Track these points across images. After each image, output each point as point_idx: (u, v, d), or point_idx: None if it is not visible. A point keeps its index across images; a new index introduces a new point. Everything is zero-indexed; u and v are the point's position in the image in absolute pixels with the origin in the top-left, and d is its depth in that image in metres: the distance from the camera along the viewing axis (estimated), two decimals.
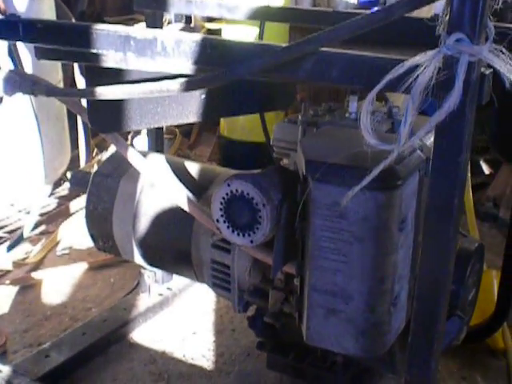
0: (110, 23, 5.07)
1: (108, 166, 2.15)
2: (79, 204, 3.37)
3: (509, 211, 2.65)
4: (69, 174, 2.86)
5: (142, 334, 2.45)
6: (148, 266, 2.24)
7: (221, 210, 1.49)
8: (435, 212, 1.09)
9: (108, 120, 1.66)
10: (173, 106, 1.77)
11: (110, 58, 1.41)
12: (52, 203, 3.54)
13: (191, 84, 1.23)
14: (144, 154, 1.91)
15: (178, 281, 2.63)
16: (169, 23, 4.37)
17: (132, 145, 3.80)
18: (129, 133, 4.22)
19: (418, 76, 0.98)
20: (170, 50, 1.27)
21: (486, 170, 4.04)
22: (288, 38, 3.61)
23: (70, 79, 3.53)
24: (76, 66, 3.27)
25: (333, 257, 1.33)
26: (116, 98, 1.45)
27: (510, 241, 2.15)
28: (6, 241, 3.11)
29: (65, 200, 3.55)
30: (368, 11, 1.09)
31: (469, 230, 2.52)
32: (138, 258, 2.12)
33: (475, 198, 2.67)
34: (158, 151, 2.43)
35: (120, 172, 2.10)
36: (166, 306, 2.60)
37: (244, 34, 3.39)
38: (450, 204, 1.07)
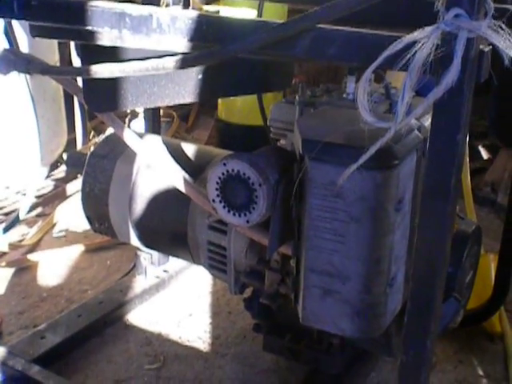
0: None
1: (104, 147, 2.14)
2: (76, 186, 3.36)
3: (506, 196, 2.64)
4: (65, 156, 2.86)
5: (138, 316, 2.45)
6: (144, 248, 2.23)
7: (217, 189, 1.48)
8: (432, 190, 1.08)
9: (104, 99, 1.64)
10: (169, 85, 1.76)
11: (106, 36, 1.39)
12: (48, 185, 3.52)
13: (186, 61, 1.22)
14: (140, 136, 1.90)
15: (175, 263, 2.62)
16: (167, 5, 4.35)
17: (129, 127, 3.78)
18: (126, 116, 4.20)
19: (415, 52, 0.97)
20: (166, 27, 1.25)
21: (485, 155, 4.04)
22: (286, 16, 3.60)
23: (66, 61, 3.51)
24: (72, 47, 3.24)
25: (329, 237, 1.32)
26: (112, 76, 1.43)
27: (508, 225, 2.14)
28: (1, 223, 3.10)
29: (61, 182, 3.54)
30: None
31: (467, 214, 2.51)
32: (134, 240, 2.11)
33: (473, 183, 2.66)
34: (154, 133, 2.41)
35: (116, 153, 2.09)
36: (162, 288, 2.60)
37: (242, 16, 3.37)
38: (447, 182, 1.06)
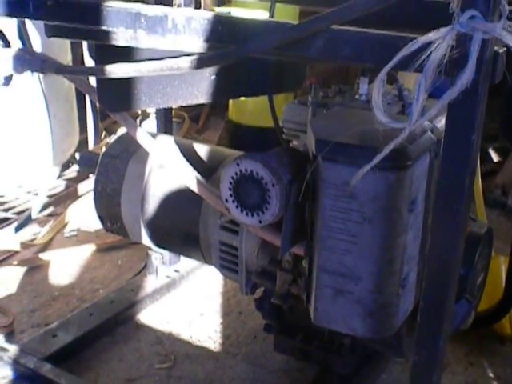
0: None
1: (116, 147, 2.15)
2: (87, 186, 3.38)
3: None
4: (77, 156, 2.87)
5: (149, 316, 2.46)
6: (156, 248, 2.24)
7: (229, 189, 1.48)
8: (446, 191, 1.09)
9: (117, 99, 1.65)
10: (182, 86, 1.76)
11: (121, 36, 1.40)
12: (60, 185, 3.54)
13: (202, 61, 1.22)
14: (153, 136, 1.91)
15: (186, 263, 2.63)
16: (178, 6, 4.36)
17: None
18: (137, 116, 4.21)
19: (430, 53, 0.97)
20: (181, 28, 1.26)
21: (495, 157, 4.03)
22: (298, 18, 3.60)
23: (79, 61, 3.52)
24: (85, 47, 3.26)
25: (342, 237, 1.32)
26: (126, 76, 1.45)
27: None
28: (13, 222, 3.12)
29: (73, 182, 3.55)
30: None
31: (477, 217, 2.51)
32: (146, 240, 2.12)
33: (484, 185, 2.65)
34: (166, 134, 2.42)
35: (128, 153, 2.10)
36: (173, 288, 2.61)
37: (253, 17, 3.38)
38: (461, 183, 1.07)
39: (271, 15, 2.38)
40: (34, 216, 3.11)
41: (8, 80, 2.17)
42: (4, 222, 3.11)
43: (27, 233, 3.06)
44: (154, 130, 2.59)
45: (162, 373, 2.16)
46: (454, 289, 1.18)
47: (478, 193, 2.50)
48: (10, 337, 2.31)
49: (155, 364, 2.20)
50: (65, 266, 2.80)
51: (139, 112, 4.19)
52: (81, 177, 3.55)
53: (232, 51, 1.18)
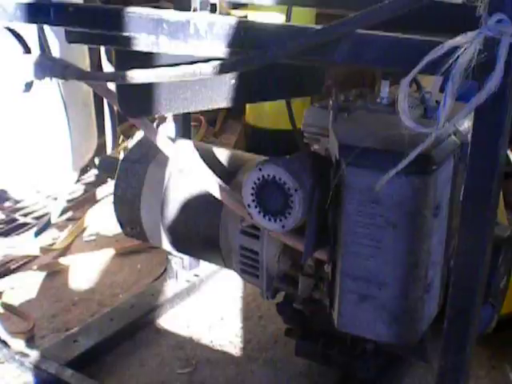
0: None
1: (136, 152, 2.15)
2: (105, 190, 3.39)
3: None
4: (96, 160, 2.86)
5: (170, 320, 2.46)
6: (176, 252, 2.24)
7: (252, 194, 1.48)
8: (473, 195, 1.08)
9: (137, 104, 1.65)
10: (202, 90, 1.76)
11: (142, 42, 1.40)
12: (79, 189, 3.55)
13: (225, 67, 1.22)
14: (172, 140, 1.90)
15: (205, 267, 2.63)
16: (194, 10, 4.36)
17: None
18: (154, 120, 4.22)
19: (457, 57, 0.97)
20: (203, 33, 1.26)
21: None
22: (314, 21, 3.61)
23: (96, 66, 3.52)
24: (103, 52, 3.26)
25: (366, 242, 1.31)
26: (148, 82, 1.44)
27: None
28: (33, 227, 3.13)
29: (91, 186, 3.56)
30: None
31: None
32: (166, 244, 2.12)
33: (503, 187, 2.64)
34: (185, 138, 2.42)
35: (148, 158, 2.10)
36: (193, 293, 2.61)
37: (270, 20, 3.38)
38: (488, 187, 1.06)
39: (288, 18, 2.38)
40: (53, 221, 3.11)
41: (29, 86, 2.17)
42: (24, 227, 3.13)
43: (47, 237, 3.07)
44: (171, 134, 2.59)
45: (183, 378, 2.16)
46: (480, 294, 1.17)
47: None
48: (30, 342, 2.31)
49: (176, 369, 2.20)
50: (84, 271, 2.81)
51: (156, 116, 4.20)
52: (99, 181, 3.56)
53: (257, 56, 1.17)
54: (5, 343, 2.19)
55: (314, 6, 2.75)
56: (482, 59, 0.96)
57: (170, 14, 1.30)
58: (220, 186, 1.74)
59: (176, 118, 2.58)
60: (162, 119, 4.24)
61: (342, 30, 1.09)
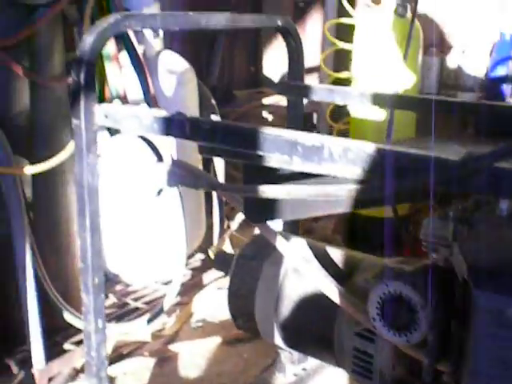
0: (239, 96, 5.20)
1: (252, 249, 2.22)
2: (212, 276, 3.45)
3: None
4: (210, 253, 2.95)
5: None
6: (287, 348, 2.27)
7: (377, 308, 1.51)
8: None
9: (261, 211, 1.72)
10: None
11: (274, 159, 1.47)
12: (186, 274, 3.63)
13: (361, 193, 1.27)
14: (286, 237, 1.96)
15: (312, 362, 2.64)
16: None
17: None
18: None
19: None
20: (337, 157, 1.32)
21: None
22: (415, 124, 3.69)
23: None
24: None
25: (494, 364, 1.32)
26: (275, 197, 1.51)
27: None
28: (144, 312, 3.20)
29: (198, 272, 3.64)
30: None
31: None
32: (278, 339, 2.15)
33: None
34: (293, 230, 2.48)
35: (263, 255, 2.16)
36: None
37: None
38: None
39: (390, 122, 2.43)
40: (165, 308, 3.18)
41: (160, 191, 2.28)
42: (134, 312, 3.21)
43: (156, 322, 3.14)
44: (279, 227, 2.64)
45: None
46: None
47: None
48: None
49: None
50: (192, 358, 2.87)
51: None
52: (205, 266, 3.64)
53: (397, 186, 1.21)
54: None
55: (414, 110, 2.81)
56: None
57: (305, 137, 1.37)
58: (336, 288, 1.78)
59: None
60: None
61: (480, 164, 1.13)
